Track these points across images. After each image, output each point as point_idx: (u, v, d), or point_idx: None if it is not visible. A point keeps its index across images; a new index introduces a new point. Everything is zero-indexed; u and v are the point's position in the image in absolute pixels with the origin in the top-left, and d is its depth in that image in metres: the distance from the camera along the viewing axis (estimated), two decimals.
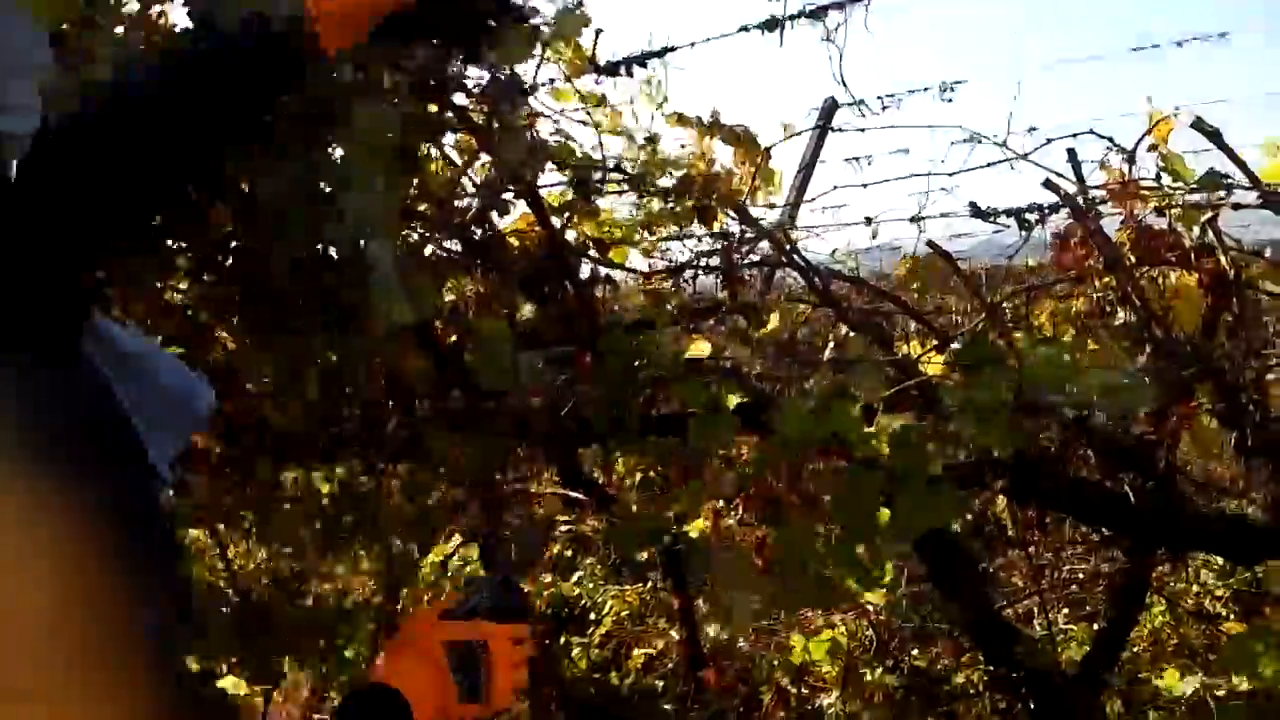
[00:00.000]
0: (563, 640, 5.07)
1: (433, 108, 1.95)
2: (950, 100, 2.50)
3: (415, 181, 2.18)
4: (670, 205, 2.59)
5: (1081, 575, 5.08)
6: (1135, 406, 1.76)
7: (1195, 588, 4.55)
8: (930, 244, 1.75)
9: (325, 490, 2.62)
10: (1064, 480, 2.09)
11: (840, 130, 2.52)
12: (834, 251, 2.57)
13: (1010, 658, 2.38)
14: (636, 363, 2.37)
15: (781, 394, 2.25)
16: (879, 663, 4.63)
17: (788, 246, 2.15)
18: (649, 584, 5.35)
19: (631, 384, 2.23)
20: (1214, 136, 1.61)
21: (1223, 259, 1.71)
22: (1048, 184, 1.62)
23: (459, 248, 2.31)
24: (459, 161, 2.34)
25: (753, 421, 2.36)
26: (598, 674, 4.98)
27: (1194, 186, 1.78)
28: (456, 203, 2.32)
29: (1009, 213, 1.71)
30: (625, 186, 2.48)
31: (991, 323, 1.81)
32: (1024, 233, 1.69)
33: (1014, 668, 2.53)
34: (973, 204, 1.72)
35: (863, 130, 2.34)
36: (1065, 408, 1.90)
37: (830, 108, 3.55)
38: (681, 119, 2.59)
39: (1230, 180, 1.72)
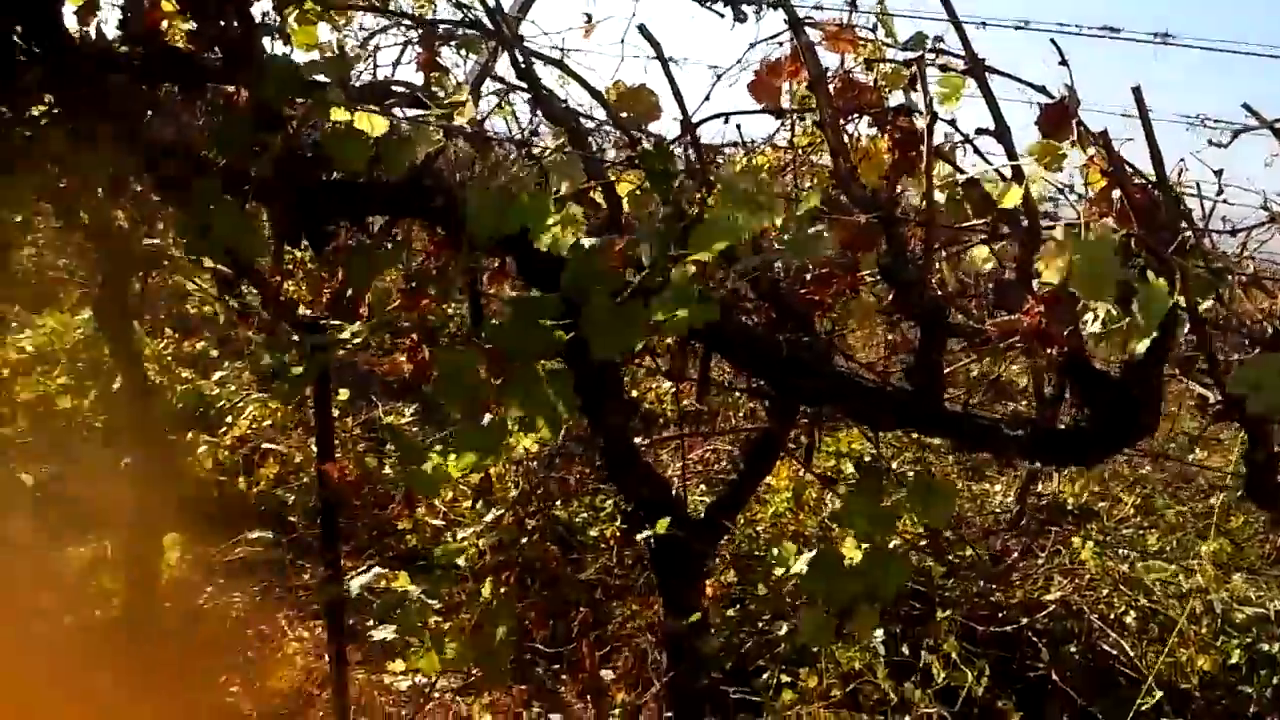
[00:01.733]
0: (190, 437, 4.69)
1: None
2: None
3: None
4: None
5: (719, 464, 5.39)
6: (813, 253, 1.73)
7: (829, 456, 4.91)
8: (641, 28, 1.62)
9: None
10: (727, 323, 2.07)
11: None
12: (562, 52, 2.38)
13: (639, 494, 2.39)
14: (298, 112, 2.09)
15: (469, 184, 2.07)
16: (521, 507, 4.65)
17: (504, 26, 1.92)
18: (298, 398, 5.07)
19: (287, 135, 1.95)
20: None
21: (919, 121, 1.70)
22: None
23: None
24: None
25: (424, 209, 2.17)
26: (224, 478, 4.67)
27: (903, 45, 1.76)
28: None
29: (726, 0, 1.60)
30: None
31: (690, 140, 1.72)
32: (737, 21, 1.59)
33: (643, 508, 2.56)
34: None
35: None
36: (748, 265, 1.87)
37: None
38: None
39: (942, 44, 1.70)
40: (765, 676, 3.63)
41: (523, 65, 1.75)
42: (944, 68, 1.70)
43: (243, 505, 4.66)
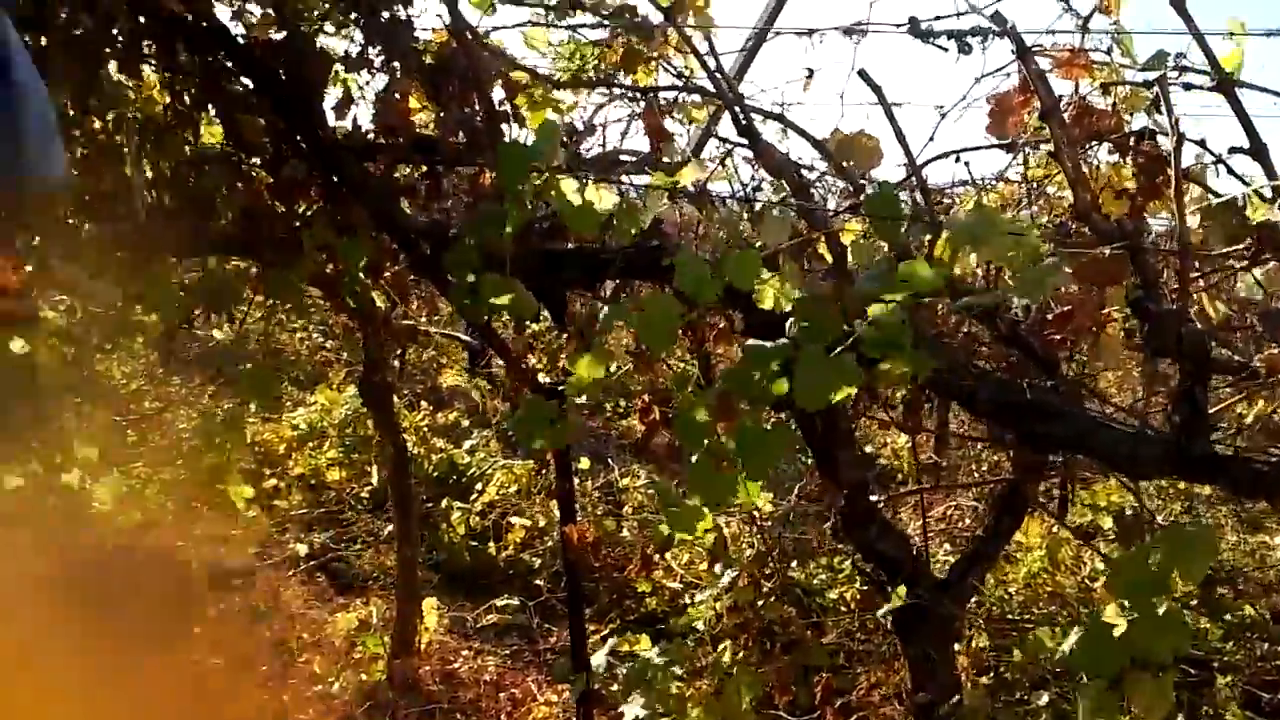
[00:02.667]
0: (444, 504, 4.97)
1: None
2: None
3: None
4: (594, 49, 2.39)
5: (963, 521, 5.15)
6: (1048, 288, 1.65)
7: (1084, 511, 4.60)
8: (861, 73, 1.62)
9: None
10: (962, 369, 2.00)
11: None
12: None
13: (879, 552, 2.33)
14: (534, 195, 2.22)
15: (688, 243, 2.12)
16: (757, 568, 4.61)
17: (724, 86, 1.97)
18: (540, 463, 5.27)
19: (524, 211, 2.06)
20: (1176, 3, 1.49)
21: (1164, 143, 1.60)
22: (995, 16, 1.49)
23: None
24: None
25: (654, 270, 2.23)
26: (475, 543, 4.90)
27: (1142, 66, 1.67)
28: None
29: (950, 34, 1.57)
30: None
31: (915, 181, 1.69)
32: (961, 54, 1.56)
33: (883, 567, 2.48)
34: (912, 19, 1.58)
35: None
36: (971, 303, 1.81)
37: None
38: None
39: (1184, 61, 1.61)
40: None
41: (743, 122, 1.79)
42: (1188, 86, 1.60)
43: (492, 569, 4.87)
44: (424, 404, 5.90)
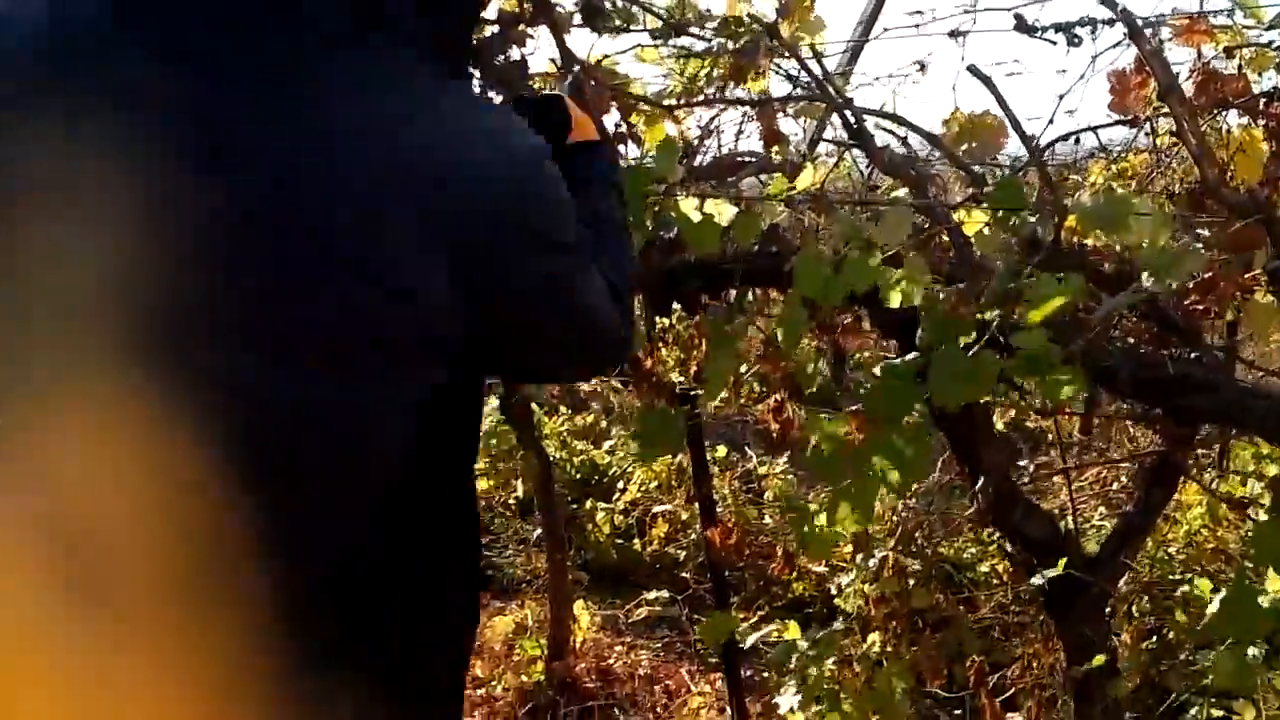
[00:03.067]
0: (588, 505, 5.09)
1: None
2: None
3: None
4: (706, 60, 2.42)
5: (1119, 481, 4.97)
6: (1180, 274, 1.62)
7: (1235, 477, 4.42)
8: (971, 68, 1.61)
9: None
10: (1100, 347, 1.96)
11: None
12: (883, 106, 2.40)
13: (1023, 534, 2.31)
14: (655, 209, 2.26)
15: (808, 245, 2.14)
16: (901, 546, 4.57)
17: (831, 90, 1.99)
18: (677, 457, 5.33)
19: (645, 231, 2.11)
20: None
21: None
22: (1103, 1, 1.47)
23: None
24: None
25: (775, 277, 2.25)
26: (620, 540, 5.02)
27: (1269, 25, 1.62)
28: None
29: (1057, 27, 1.55)
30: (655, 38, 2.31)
31: (1036, 167, 1.68)
32: (1071, 46, 1.54)
33: (1028, 549, 2.45)
34: (1017, 15, 1.56)
35: None
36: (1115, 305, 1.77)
37: None
38: None
39: None
40: (1194, 712, 3.30)
41: (854, 125, 1.80)
42: None
43: (639, 565, 4.97)
44: (563, 409, 6.04)
